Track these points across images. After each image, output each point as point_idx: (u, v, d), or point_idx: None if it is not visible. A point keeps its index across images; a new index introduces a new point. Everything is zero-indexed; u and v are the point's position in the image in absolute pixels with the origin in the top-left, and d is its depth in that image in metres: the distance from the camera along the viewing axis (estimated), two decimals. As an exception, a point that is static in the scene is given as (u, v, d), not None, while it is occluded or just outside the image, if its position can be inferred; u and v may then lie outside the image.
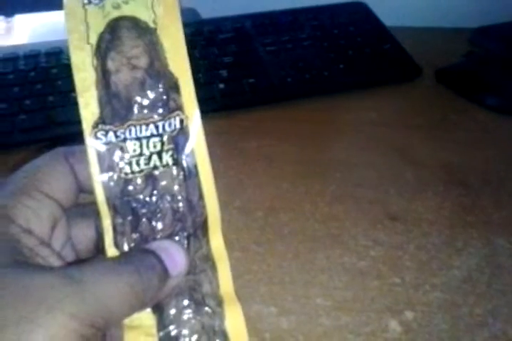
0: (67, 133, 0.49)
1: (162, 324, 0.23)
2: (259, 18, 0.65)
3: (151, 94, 0.24)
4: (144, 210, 0.24)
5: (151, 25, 0.24)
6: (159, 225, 0.24)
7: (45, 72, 0.55)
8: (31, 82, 0.54)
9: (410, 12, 0.72)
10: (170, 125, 0.24)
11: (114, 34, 0.24)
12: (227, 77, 0.58)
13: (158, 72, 0.24)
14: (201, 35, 0.62)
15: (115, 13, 0.24)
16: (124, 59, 0.24)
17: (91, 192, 0.24)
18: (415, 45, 0.65)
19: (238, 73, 0.59)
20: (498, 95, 0.57)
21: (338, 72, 0.60)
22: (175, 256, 0.23)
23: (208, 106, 0.56)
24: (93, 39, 0.24)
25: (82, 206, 0.26)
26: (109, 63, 0.24)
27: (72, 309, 0.19)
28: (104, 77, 0.23)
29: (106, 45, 0.24)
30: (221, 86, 0.57)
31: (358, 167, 0.49)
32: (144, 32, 0.24)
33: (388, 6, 0.69)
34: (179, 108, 0.24)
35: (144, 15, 0.24)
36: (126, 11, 0.24)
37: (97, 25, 0.24)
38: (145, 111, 0.24)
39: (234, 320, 0.24)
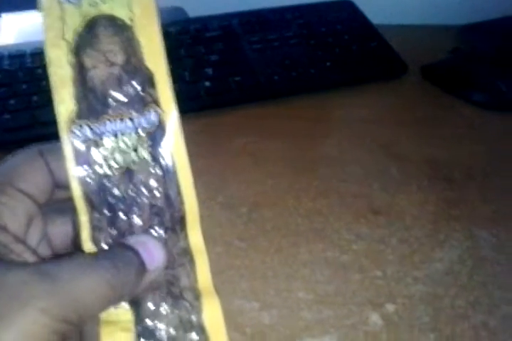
0: (52, 133, 0.48)
1: (139, 318, 0.23)
2: (246, 17, 0.65)
3: (127, 90, 0.24)
4: (121, 205, 0.24)
5: (128, 22, 0.24)
6: (137, 220, 0.24)
7: (31, 72, 0.55)
8: (16, 81, 0.54)
9: (397, 10, 0.72)
10: (146, 120, 0.24)
11: (91, 31, 0.24)
12: (213, 75, 0.58)
13: (135, 68, 0.24)
14: (188, 34, 0.62)
15: (92, 11, 0.24)
16: (101, 55, 0.24)
17: (67, 187, 0.24)
18: (402, 42, 0.65)
19: (224, 71, 0.59)
20: (484, 91, 0.57)
21: (324, 69, 0.60)
22: (152, 251, 0.23)
23: (194, 104, 0.56)
24: (69, 36, 0.24)
25: (58, 202, 0.26)
26: (86, 60, 0.24)
27: (43, 304, 0.19)
28: (80, 73, 0.23)
29: (82, 42, 0.24)
30: (207, 84, 0.57)
31: (343, 163, 0.49)
32: (121, 29, 0.24)
33: (375, 3, 0.69)
34: (155, 103, 0.24)
35: (121, 13, 0.24)
36: (103, 9, 0.24)
37: (74, 22, 0.24)
38: (121, 106, 0.24)
39: (212, 314, 0.24)
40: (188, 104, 0.56)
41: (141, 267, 0.23)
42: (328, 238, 0.41)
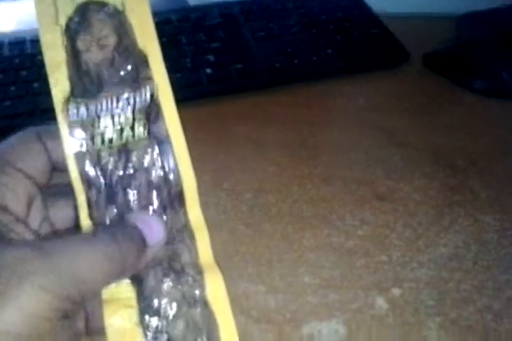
0: (53, 120, 0.48)
1: (142, 295, 0.23)
2: (247, 5, 0.65)
3: (121, 70, 0.24)
4: (118, 183, 0.24)
5: (119, 7, 0.25)
6: (135, 197, 0.24)
7: (31, 59, 0.55)
8: (16, 68, 0.54)
9: (398, -2, 0.72)
10: (140, 97, 0.24)
11: (83, 17, 0.24)
12: (215, 63, 0.58)
13: (127, 49, 0.24)
14: (188, 22, 0.62)
15: None
16: (94, 39, 0.24)
17: (65, 170, 0.24)
18: (403, 30, 0.65)
19: (226, 58, 0.58)
20: (486, 79, 0.57)
21: (326, 57, 0.60)
22: (153, 226, 0.23)
23: (195, 91, 0.56)
24: (63, 21, 0.24)
25: (59, 186, 0.26)
26: (79, 43, 0.24)
27: (41, 280, 0.19)
28: (74, 56, 0.24)
29: (75, 27, 0.24)
30: (208, 71, 0.57)
31: (346, 150, 0.49)
32: (112, 14, 0.25)
33: (376, -9, 0.69)
34: (149, 80, 0.24)
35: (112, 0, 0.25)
36: None
37: (66, 8, 0.24)
38: (116, 86, 0.24)
39: (215, 289, 0.24)
40: (190, 91, 0.56)
41: (142, 242, 0.23)
42: (333, 224, 0.41)
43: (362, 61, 0.61)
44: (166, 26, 0.60)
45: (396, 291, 0.36)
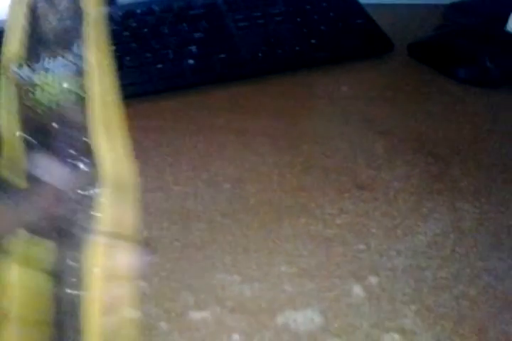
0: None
1: None
2: (231, -5, 0.64)
3: (64, 30, 0.25)
4: (55, 141, 0.24)
5: None
6: (70, 152, 0.24)
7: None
8: None
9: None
10: (77, 57, 0.24)
11: None
12: (197, 53, 0.57)
13: (76, 12, 0.25)
14: (171, 12, 0.61)
15: None
16: (51, 6, 0.25)
17: None
18: (388, 20, 0.65)
19: (208, 49, 0.58)
20: (470, 68, 0.57)
21: (310, 47, 0.60)
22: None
23: (178, 82, 0.56)
24: None
25: None
26: (38, 11, 0.25)
27: None
28: (31, 23, 0.24)
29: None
30: (191, 62, 0.57)
31: (328, 139, 0.49)
32: None
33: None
34: (89, 41, 0.25)
35: None
36: None
37: None
38: (59, 46, 0.25)
39: None
40: (172, 82, 0.56)
41: None
42: (312, 213, 0.41)
43: (346, 51, 0.60)
44: (148, 16, 0.60)
45: (373, 279, 0.35)
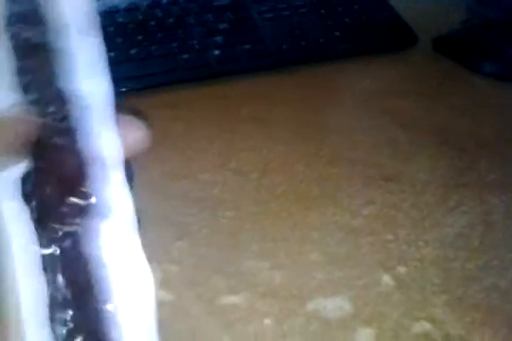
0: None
1: None
2: (256, -14, 0.64)
3: None
4: None
5: None
6: None
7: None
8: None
9: (408, -19, 0.71)
10: None
11: None
12: (223, 44, 0.57)
13: None
14: (196, 2, 0.61)
15: None
16: None
17: None
18: (413, 14, 0.64)
19: (234, 40, 0.58)
20: (497, 62, 0.57)
21: (334, 39, 0.60)
22: None
23: (203, 72, 0.56)
24: None
25: None
26: None
27: None
28: None
29: None
30: (216, 52, 0.57)
31: (353, 131, 0.49)
32: None
33: (386, -26, 0.68)
34: None
35: None
36: None
37: None
38: None
39: None
40: (198, 72, 0.56)
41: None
42: (339, 203, 0.41)
43: (370, 44, 0.60)
44: (173, 7, 0.60)
45: (402, 269, 0.36)
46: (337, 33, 0.60)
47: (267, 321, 0.32)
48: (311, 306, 0.33)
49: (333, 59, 0.59)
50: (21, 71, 0.20)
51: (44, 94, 0.20)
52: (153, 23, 0.58)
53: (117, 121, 0.20)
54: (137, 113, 0.22)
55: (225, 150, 0.46)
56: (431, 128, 0.49)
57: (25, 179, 0.20)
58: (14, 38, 0.20)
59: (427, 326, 0.32)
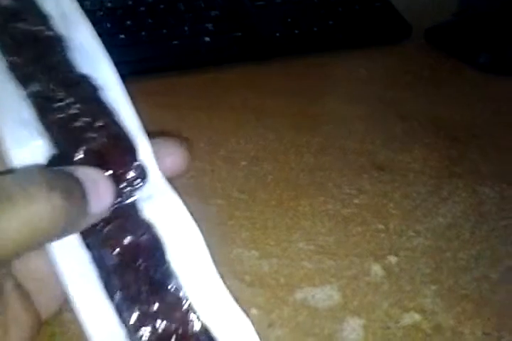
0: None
1: None
2: (248, -27, 0.63)
3: None
4: None
5: None
6: None
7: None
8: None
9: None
10: None
11: None
12: (214, 31, 0.56)
13: None
14: (187, -12, 0.60)
15: None
16: None
17: None
18: (406, 4, 0.64)
19: (225, 27, 0.57)
20: (490, 53, 0.56)
21: (327, 28, 0.59)
22: (99, 185, 0.18)
23: (194, 58, 0.55)
24: None
25: None
26: None
27: None
28: None
29: None
30: (207, 39, 0.56)
31: (346, 120, 0.48)
32: None
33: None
34: None
35: None
36: None
37: None
38: None
39: None
40: (188, 59, 0.55)
41: (83, 200, 0.17)
42: (330, 192, 0.40)
43: (363, 34, 0.60)
44: (164, -8, 0.59)
45: (392, 259, 0.35)
46: (330, 22, 0.59)
47: (254, 310, 0.31)
48: (299, 295, 0.33)
49: (326, 48, 0.58)
50: (22, 63, 0.20)
51: (49, 83, 0.20)
52: (143, 8, 0.57)
53: (155, 144, 0.20)
54: (176, 136, 0.22)
55: (215, 137, 0.45)
56: (424, 118, 0.49)
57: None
58: (11, 31, 0.20)
59: (416, 317, 0.31)
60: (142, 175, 0.20)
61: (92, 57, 0.20)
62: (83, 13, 0.21)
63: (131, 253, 0.19)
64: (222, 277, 0.20)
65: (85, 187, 0.17)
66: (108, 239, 0.19)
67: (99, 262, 0.19)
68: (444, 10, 0.64)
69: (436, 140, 0.46)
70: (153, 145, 0.20)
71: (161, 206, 0.20)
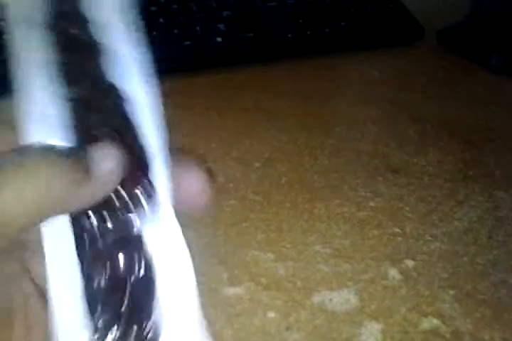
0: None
1: None
2: (260, -27, 0.63)
3: None
4: None
5: None
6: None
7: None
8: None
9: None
10: None
11: None
12: (225, 31, 0.56)
13: None
14: (199, -12, 0.60)
15: None
16: None
17: None
18: (418, 5, 0.63)
19: (236, 27, 0.57)
20: (502, 55, 0.56)
21: (340, 29, 0.58)
22: (103, 150, 0.18)
23: (206, 59, 0.55)
24: None
25: None
26: None
27: None
28: None
29: None
30: (219, 39, 0.55)
31: (359, 122, 0.48)
32: None
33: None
34: None
35: None
36: None
37: None
38: None
39: None
40: (200, 59, 0.55)
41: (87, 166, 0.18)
42: (345, 194, 0.40)
43: (375, 35, 0.59)
44: (176, -8, 0.59)
45: (409, 263, 0.35)
46: (342, 24, 0.59)
47: (271, 314, 0.31)
48: (316, 299, 0.32)
49: (338, 49, 0.58)
50: (66, 65, 0.20)
51: (88, 88, 0.20)
52: (154, 8, 0.57)
53: (178, 173, 0.20)
54: (202, 165, 0.22)
55: (228, 139, 0.45)
56: (437, 120, 0.48)
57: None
58: (60, 34, 0.20)
59: (435, 321, 0.31)
60: (149, 193, 0.20)
61: (128, 70, 0.20)
62: (130, 24, 0.21)
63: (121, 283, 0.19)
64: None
65: (89, 151, 0.18)
66: (101, 257, 0.19)
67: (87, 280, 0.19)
68: (457, 11, 0.63)
69: (449, 143, 0.45)
70: (174, 165, 0.20)
71: (159, 233, 0.20)
